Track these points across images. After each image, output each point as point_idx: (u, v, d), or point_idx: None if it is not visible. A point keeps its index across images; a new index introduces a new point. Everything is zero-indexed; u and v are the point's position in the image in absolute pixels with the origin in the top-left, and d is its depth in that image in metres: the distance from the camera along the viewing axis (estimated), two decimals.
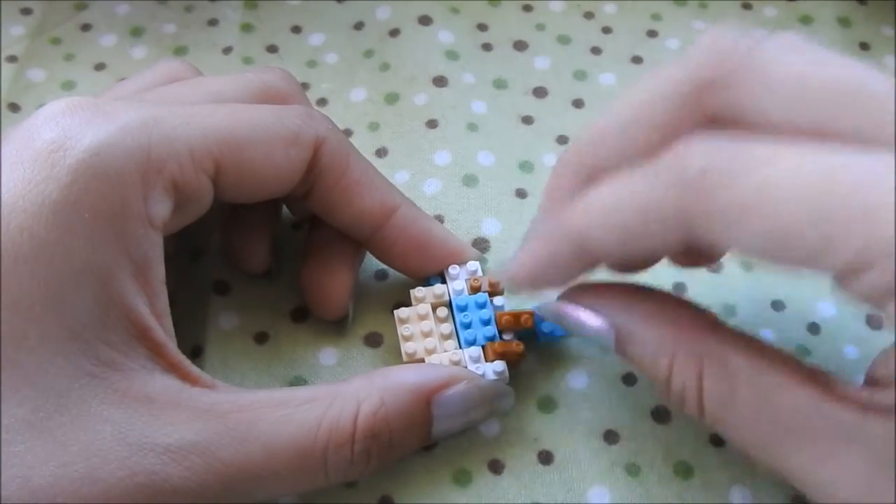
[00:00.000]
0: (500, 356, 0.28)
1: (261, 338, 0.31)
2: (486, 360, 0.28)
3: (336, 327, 0.30)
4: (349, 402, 0.25)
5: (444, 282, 0.30)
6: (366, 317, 0.31)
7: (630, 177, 0.23)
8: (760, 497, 0.27)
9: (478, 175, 0.34)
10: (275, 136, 0.27)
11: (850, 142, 0.20)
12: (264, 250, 0.31)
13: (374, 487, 0.27)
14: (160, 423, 0.23)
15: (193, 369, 0.25)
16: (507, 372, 0.28)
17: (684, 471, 0.28)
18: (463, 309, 0.29)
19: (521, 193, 0.33)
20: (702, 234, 0.21)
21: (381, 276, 0.32)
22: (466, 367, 0.28)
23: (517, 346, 0.28)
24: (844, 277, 0.20)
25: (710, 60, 0.22)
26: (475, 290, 0.29)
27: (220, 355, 0.30)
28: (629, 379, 0.29)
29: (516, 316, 0.28)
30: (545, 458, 0.28)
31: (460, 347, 0.29)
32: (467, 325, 0.29)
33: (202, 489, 0.23)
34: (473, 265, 0.30)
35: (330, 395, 0.25)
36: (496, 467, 0.28)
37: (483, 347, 0.28)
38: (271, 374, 0.30)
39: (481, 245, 0.32)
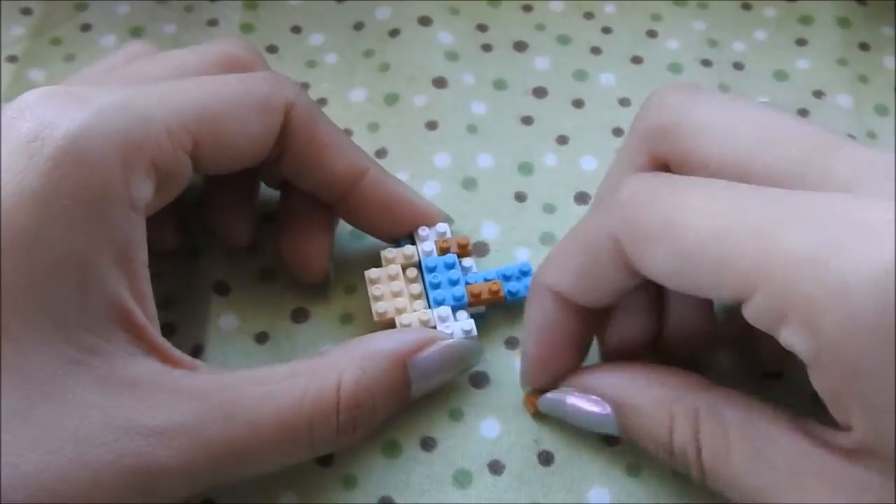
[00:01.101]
0: (476, 298, 0.29)
1: (261, 338, 0.31)
2: (469, 307, 0.29)
3: (336, 328, 0.31)
4: (330, 374, 0.25)
5: (413, 243, 0.30)
6: (367, 317, 0.30)
7: (580, 221, 0.26)
8: None
9: (477, 178, 0.34)
10: (247, 104, 0.27)
11: (766, 181, 0.23)
12: (246, 222, 0.31)
13: (374, 487, 0.27)
14: (145, 406, 0.23)
15: (175, 352, 0.25)
16: (475, 330, 0.29)
17: None
18: (432, 270, 0.30)
19: (520, 196, 0.34)
20: (628, 257, 0.23)
21: None
22: (436, 327, 0.28)
23: (494, 286, 0.29)
24: (739, 303, 0.22)
25: (653, 116, 0.26)
26: (444, 251, 0.30)
27: (221, 355, 0.30)
28: None
29: (485, 288, 0.30)
30: (545, 458, 0.28)
31: (430, 307, 0.29)
32: (436, 286, 0.29)
33: (191, 467, 0.23)
34: (443, 227, 0.31)
35: (310, 369, 0.26)
36: (496, 468, 0.28)
37: (463, 297, 0.29)
38: None
39: (481, 249, 0.32)
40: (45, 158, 0.23)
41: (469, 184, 0.34)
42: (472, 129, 0.35)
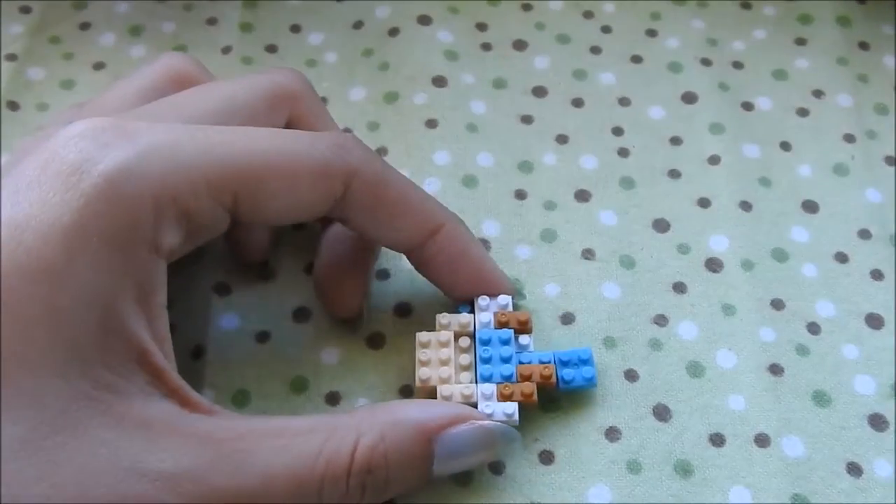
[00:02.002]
0: (507, 398, 0.27)
1: (262, 337, 0.31)
2: (498, 399, 0.27)
3: (338, 328, 0.31)
4: (349, 435, 0.24)
5: (472, 311, 0.29)
6: (368, 318, 0.31)
7: None
8: (760, 497, 0.27)
9: (477, 176, 0.34)
10: (301, 167, 0.26)
11: None
12: (261, 238, 0.31)
13: None
14: (156, 449, 0.23)
15: (193, 395, 0.24)
16: (517, 415, 0.27)
17: (684, 469, 0.28)
18: (486, 343, 0.28)
19: (520, 194, 0.34)
20: None
21: (384, 275, 0.32)
22: (477, 404, 0.27)
23: (528, 388, 0.28)
24: None
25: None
26: (502, 325, 0.29)
27: (222, 355, 0.30)
28: (631, 376, 0.29)
29: (537, 370, 0.28)
30: (546, 458, 0.28)
31: (476, 381, 0.28)
32: (486, 360, 0.28)
33: None
34: (505, 299, 0.29)
35: (329, 426, 0.25)
36: (497, 467, 0.28)
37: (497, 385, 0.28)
38: (273, 374, 0.30)
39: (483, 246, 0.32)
40: (79, 193, 0.23)
41: (469, 181, 0.34)
42: (471, 127, 0.35)
